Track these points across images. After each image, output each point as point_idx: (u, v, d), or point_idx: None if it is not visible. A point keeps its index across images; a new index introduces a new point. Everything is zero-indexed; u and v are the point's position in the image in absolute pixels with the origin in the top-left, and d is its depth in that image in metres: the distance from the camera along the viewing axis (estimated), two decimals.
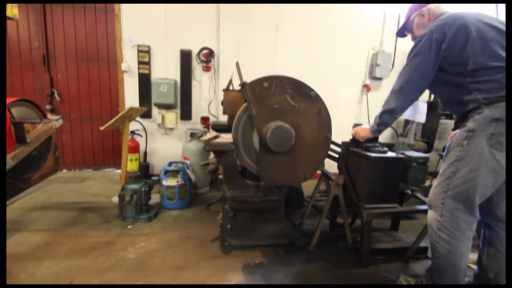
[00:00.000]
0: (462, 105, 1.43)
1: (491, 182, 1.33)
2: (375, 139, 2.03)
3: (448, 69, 1.44)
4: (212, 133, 2.37)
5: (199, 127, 3.77)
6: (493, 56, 1.32)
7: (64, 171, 3.97)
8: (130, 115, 2.71)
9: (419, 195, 2.15)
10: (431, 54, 1.43)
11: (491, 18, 1.41)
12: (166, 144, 3.82)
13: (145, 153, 3.73)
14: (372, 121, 1.83)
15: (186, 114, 3.76)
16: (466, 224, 1.37)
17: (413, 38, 1.74)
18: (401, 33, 1.88)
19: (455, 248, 1.38)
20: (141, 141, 3.67)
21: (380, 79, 4.07)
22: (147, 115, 3.65)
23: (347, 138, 2.17)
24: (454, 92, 1.46)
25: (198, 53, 3.63)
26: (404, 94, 1.57)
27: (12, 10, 2.09)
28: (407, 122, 3.80)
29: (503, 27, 1.37)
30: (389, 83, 4.04)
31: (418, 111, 3.39)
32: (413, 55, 1.51)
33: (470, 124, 1.35)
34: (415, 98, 1.60)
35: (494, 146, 1.28)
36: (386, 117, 1.68)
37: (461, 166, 1.36)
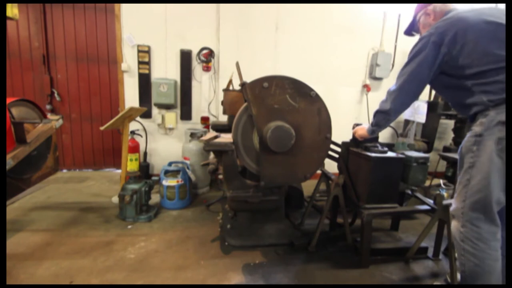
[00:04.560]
0: (468, 107, 1.40)
1: (503, 187, 1.28)
2: (375, 139, 2.03)
3: (452, 72, 1.41)
4: (212, 133, 2.37)
5: (199, 127, 3.76)
6: (496, 57, 1.28)
7: (64, 171, 3.97)
8: (130, 115, 2.71)
9: (419, 195, 2.15)
10: (428, 57, 1.41)
11: (496, 15, 1.34)
12: (166, 144, 3.82)
13: (145, 153, 3.73)
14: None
15: (186, 114, 3.76)
16: (489, 234, 1.30)
17: None
18: (408, 32, 1.83)
19: (481, 261, 1.30)
20: (141, 141, 3.67)
21: (380, 79, 4.07)
22: (147, 115, 3.65)
23: (347, 138, 2.18)
24: (460, 95, 1.42)
25: (198, 53, 3.63)
26: (397, 96, 1.56)
27: (12, 10, 2.09)
28: (407, 122, 3.80)
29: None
30: (389, 83, 4.04)
31: (418, 111, 3.40)
32: (410, 58, 1.49)
33: (477, 128, 1.31)
34: (409, 101, 1.59)
35: (503, 150, 1.22)
36: (380, 117, 1.68)
37: (474, 173, 1.31)
